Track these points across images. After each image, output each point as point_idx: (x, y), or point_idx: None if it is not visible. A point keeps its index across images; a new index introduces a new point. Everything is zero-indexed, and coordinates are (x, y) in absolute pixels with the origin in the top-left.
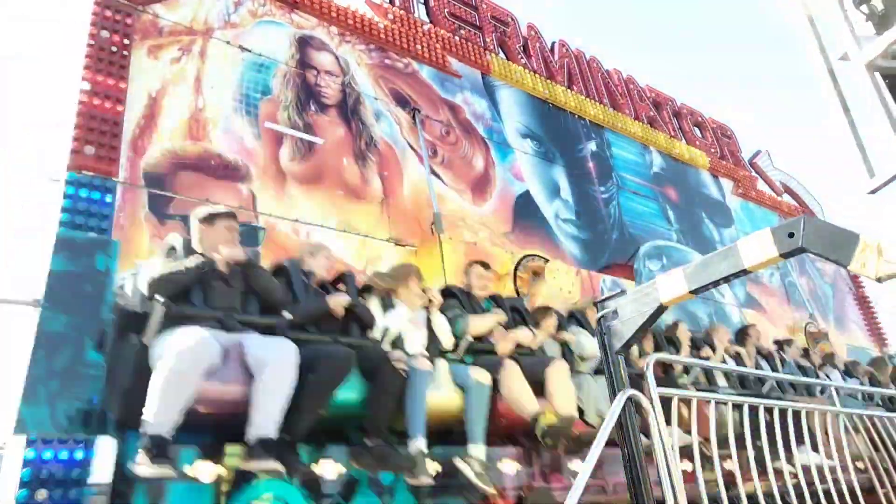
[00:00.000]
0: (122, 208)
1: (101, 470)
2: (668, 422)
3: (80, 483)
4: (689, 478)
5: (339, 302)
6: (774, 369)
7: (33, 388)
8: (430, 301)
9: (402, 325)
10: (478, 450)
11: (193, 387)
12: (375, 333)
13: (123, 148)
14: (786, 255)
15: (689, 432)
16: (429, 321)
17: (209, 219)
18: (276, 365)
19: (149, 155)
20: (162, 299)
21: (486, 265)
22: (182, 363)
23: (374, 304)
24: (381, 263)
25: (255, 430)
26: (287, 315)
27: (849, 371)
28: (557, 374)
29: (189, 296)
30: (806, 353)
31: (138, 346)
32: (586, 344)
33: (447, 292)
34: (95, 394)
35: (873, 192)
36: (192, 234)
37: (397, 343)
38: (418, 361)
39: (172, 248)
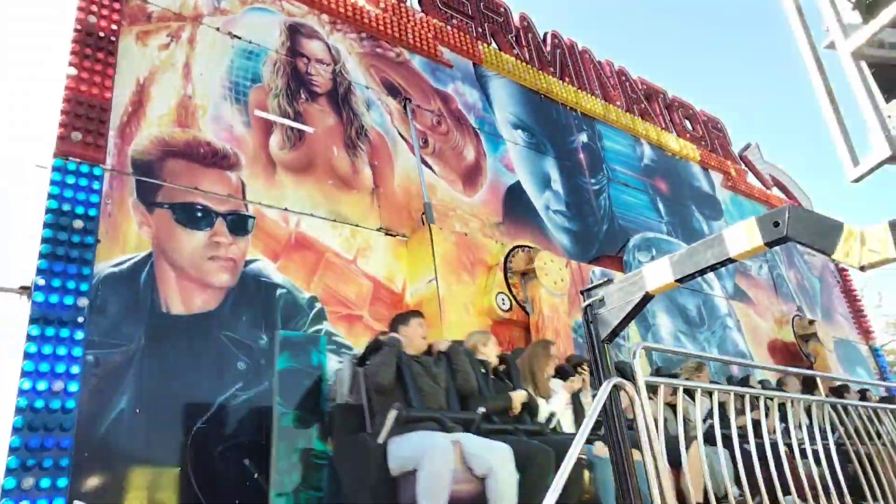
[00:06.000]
0: (110, 195)
1: None
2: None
3: None
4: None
5: (519, 398)
6: None
7: (281, 480)
8: (584, 381)
9: (561, 409)
10: None
11: (448, 489)
12: (541, 417)
13: (111, 135)
14: (771, 244)
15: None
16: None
17: (404, 319)
18: (502, 471)
19: (137, 142)
20: (397, 405)
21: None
22: (437, 466)
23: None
24: (370, 253)
25: None
26: (480, 409)
27: None
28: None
29: (406, 394)
30: None
31: (373, 445)
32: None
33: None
34: (323, 482)
35: (856, 180)
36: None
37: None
38: (597, 449)
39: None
